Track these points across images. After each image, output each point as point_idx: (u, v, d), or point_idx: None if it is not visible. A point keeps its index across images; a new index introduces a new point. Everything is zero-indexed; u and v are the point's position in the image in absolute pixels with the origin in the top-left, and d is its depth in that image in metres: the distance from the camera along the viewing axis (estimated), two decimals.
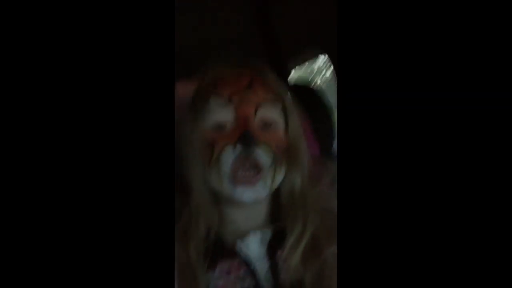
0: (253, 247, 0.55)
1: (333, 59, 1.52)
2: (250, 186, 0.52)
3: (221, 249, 0.54)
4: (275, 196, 0.58)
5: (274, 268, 0.54)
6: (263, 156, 0.52)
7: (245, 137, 0.51)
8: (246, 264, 0.53)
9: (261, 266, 0.54)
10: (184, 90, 0.66)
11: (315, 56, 1.82)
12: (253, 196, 0.53)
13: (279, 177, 0.55)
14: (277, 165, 0.54)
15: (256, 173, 0.52)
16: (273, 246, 0.55)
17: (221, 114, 0.53)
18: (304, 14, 1.38)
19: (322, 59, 1.87)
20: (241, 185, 0.52)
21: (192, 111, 0.56)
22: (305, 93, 0.90)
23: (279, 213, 0.57)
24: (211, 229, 0.55)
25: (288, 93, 0.58)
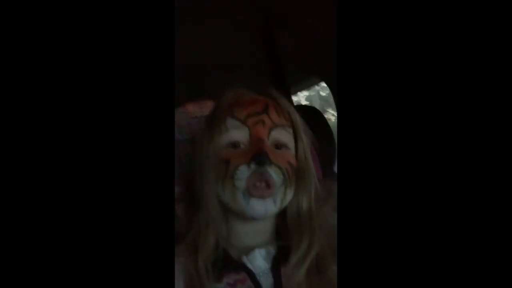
0: (258, 263, 0.57)
1: (333, 85, 1.56)
2: (262, 199, 0.55)
3: (228, 263, 0.56)
4: (281, 215, 0.60)
5: (277, 284, 0.56)
6: (274, 175, 0.55)
7: (259, 157, 0.54)
8: (251, 278, 0.55)
9: (266, 281, 0.56)
10: (194, 110, 0.70)
11: (316, 82, 1.86)
12: (264, 210, 0.55)
13: (289, 197, 0.58)
14: (287, 184, 0.57)
15: (267, 189, 0.55)
16: (277, 263, 0.57)
17: (237, 134, 0.57)
18: (306, 40, 1.42)
19: (323, 85, 1.91)
20: (254, 197, 0.55)
21: (209, 129, 0.59)
22: (309, 115, 0.92)
23: (285, 231, 0.60)
24: (219, 242, 0.57)
25: (299, 117, 0.62)
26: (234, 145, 0.57)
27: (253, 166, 0.55)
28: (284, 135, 0.59)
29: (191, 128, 0.68)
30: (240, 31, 1.34)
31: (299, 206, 0.59)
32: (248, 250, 0.58)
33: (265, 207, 0.55)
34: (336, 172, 0.88)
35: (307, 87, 2.03)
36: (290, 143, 0.59)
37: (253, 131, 0.57)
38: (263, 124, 0.57)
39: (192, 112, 0.70)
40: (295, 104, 1.52)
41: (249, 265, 0.56)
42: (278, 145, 0.58)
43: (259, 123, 0.57)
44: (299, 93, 2.12)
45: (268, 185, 0.55)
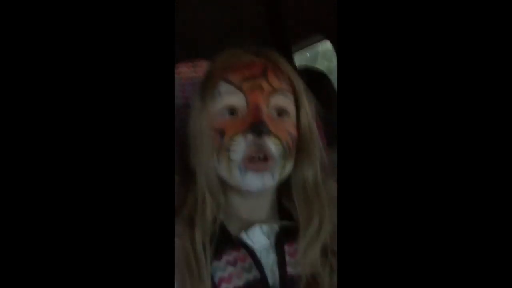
0: (258, 238, 0.53)
1: (335, 44, 1.50)
2: (259, 174, 0.51)
3: (227, 239, 0.53)
4: (285, 189, 0.56)
5: (281, 261, 0.53)
6: (273, 146, 0.51)
7: (257, 127, 0.50)
8: (251, 255, 0.52)
9: (267, 258, 0.53)
10: (187, 72, 0.64)
11: (318, 41, 1.80)
12: (261, 184, 0.52)
13: (288, 168, 0.54)
14: (287, 156, 0.52)
15: (265, 162, 0.51)
16: (281, 240, 0.54)
17: (232, 100, 0.52)
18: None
19: (326, 44, 1.85)
20: (251, 171, 0.51)
21: (201, 95, 0.54)
22: (314, 79, 0.87)
23: (291, 207, 0.56)
24: (217, 217, 0.53)
25: (301, 82, 0.56)
26: (230, 111, 0.52)
27: (250, 136, 0.50)
28: (284, 101, 0.53)
29: (184, 92, 0.62)
30: None
31: (305, 178, 0.55)
32: (248, 225, 0.54)
33: (263, 181, 0.51)
34: None
35: (310, 45, 1.97)
36: (292, 109, 0.54)
37: (250, 97, 0.52)
38: (261, 90, 0.52)
39: (185, 75, 0.63)
40: (298, 66, 1.48)
41: (248, 241, 0.53)
42: (279, 112, 0.53)
43: (257, 88, 0.52)
44: (301, 52, 2.06)
45: (266, 158, 0.51)
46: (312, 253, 0.52)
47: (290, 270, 0.52)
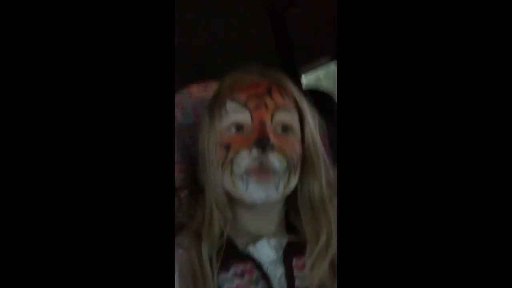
0: (265, 252, 0.54)
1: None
2: (262, 184, 0.52)
3: (234, 253, 0.54)
4: (292, 204, 0.57)
5: (289, 275, 0.53)
6: (277, 161, 0.52)
7: (261, 142, 0.51)
8: (259, 268, 0.53)
9: (275, 272, 0.53)
10: (199, 92, 0.67)
11: (327, 62, 1.82)
12: (264, 196, 0.52)
13: (293, 183, 0.55)
14: (291, 170, 0.54)
15: (268, 173, 0.52)
16: (289, 254, 0.54)
17: (238, 117, 0.54)
18: (315, 20, 1.38)
19: (333, 65, 1.87)
20: (253, 183, 0.52)
21: (209, 113, 0.56)
22: (320, 100, 0.89)
23: (296, 221, 0.57)
24: (224, 230, 0.54)
25: (306, 100, 0.58)
26: (237, 128, 0.54)
27: (254, 151, 0.52)
28: (289, 117, 0.55)
29: (196, 111, 0.64)
30: (246, 8, 1.30)
31: (310, 193, 0.56)
32: (256, 239, 0.55)
33: (266, 193, 0.52)
34: None
35: (318, 67, 1.99)
36: (296, 126, 0.56)
37: (255, 114, 0.54)
38: (265, 107, 0.54)
39: (197, 95, 0.66)
40: (305, 87, 1.50)
41: (255, 255, 0.54)
42: (283, 127, 0.55)
43: (261, 105, 0.54)
44: (309, 74, 2.08)
45: (269, 170, 0.52)
46: (320, 268, 0.52)
47: (298, 283, 0.53)
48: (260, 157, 0.52)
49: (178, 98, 0.65)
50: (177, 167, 0.59)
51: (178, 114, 0.64)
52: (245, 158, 0.52)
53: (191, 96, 0.66)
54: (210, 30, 1.42)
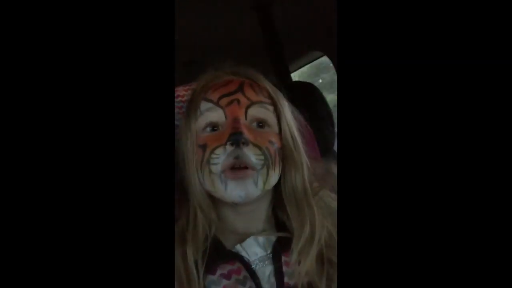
0: (253, 251, 0.54)
1: (333, 60, 1.51)
2: (240, 182, 0.52)
3: (221, 253, 0.54)
4: (276, 199, 0.58)
5: (278, 272, 0.53)
6: (253, 156, 0.52)
7: (234, 137, 0.51)
8: (246, 268, 0.53)
9: (263, 270, 0.53)
10: (185, 94, 0.67)
11: (316, 57, 1.82)
12: (244, 193, 0.52)
13: (273, 178, 0.54)
14: (270, 165, 0.53)
15: (245, 170, 0.52)
16: (278, 251, 0.54)
17: (212, 116, 0.54)
18: (305, 15, 1.38)
19: (323, 59, 1.87)
20: (231, 182, 0.52)
21: (186, 116, 0.57)
22: (306, 93, 0.89)
23: (283, 216, 0.57)
24: (209, 231, 0.54)
25: (282, 95, 0.58)
26: (212, 127, 0.54)
27: (229, 147, 0.51)
28: (262, 112, 0.55)
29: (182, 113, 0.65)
30: (236, 8, 1.30)
31: (293, 185, 0.56)
32: (243, 237, 0.55)
33: (245, 190, 0.52)
34: (336, 151, 0.85)
35: (308, 61, 1.99)
36: (272, 121, 0.56)
37: (228, 111, 0.54)
38: (238, 103, 0.54)
39: (182, 97, 0.66)
40: (293, 80, 1.50)
41: (243, 253, 0.54)
42: (259, 122, 0.55)
43: (234, 102, 0.54)
44: (301, 69, 2.08)
45: (246, 167, 0.52)
46: (306, 261, 0.52)
47: (287, 280, 0.52)
48: (236, 152, 0.51)
49: None
50: None
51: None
52: (221, 156, 0.52)
53: (176, 98, 0.66)
54: (207, 29, 1.43)
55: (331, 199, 0.57)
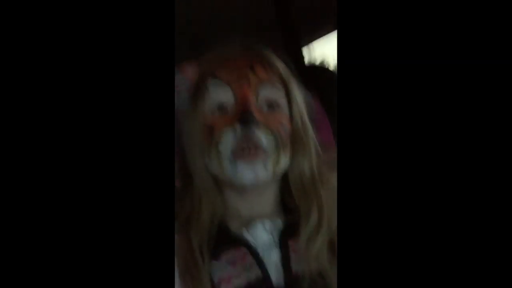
0: (260, 236, 0.53)
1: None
2: (250, 164, 0.50)
3: (226, 238, 0.52)
4: (284, 185, 0.56)
5: (285, 258, 0.52)
6: (263, 137, 0.51)
7: (244, 117, 0.49)
8: (252, 254, 0.52)
9: (270, 255, 0.52)
10: (192, 72, 0.64)
11: (328, 33, 1.78)
12: (253, 176, 0.51)
13: (284, 161, 0.53)
14: (281, 147, 0.52)
15: (255, 152, 0.50)
16: (285, 236, 0.53)
17: (221, 96, 0.52)
18: None
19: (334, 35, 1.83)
20: (240, 163, 0.50)
21: (192, 95, 0.54)
22: (322, 78, 0.87)
23: (290, 202, 0.55)
24: (214, 216, 0.53)
25: (292, 76, 0.56)
26: (220, 109, 0.52)
27: (238, 128, 0.50)
28: (274, 93, 0.53)
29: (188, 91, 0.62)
30: None
31: (301, 171, 0.54)
32: (250, 222, 0.54)
33: (255, 172, 0.50)
34: None
35: (321, 36, 1.95)
36: (283, 102, 0.53)
37: (237, 90, 0.51)
38: (247, 82, 0.51)
39: (191, 75, 0.64)
40: (307, 62, 1.46)
41: (249, 238, 0.52)
42: (269, 104, 0.52)
43: (243, 80, 0.51)
44: (312, 44, 2.04)
45: (256, 148, 0.50)
46: (314, 247, 0.51)
47: (295, 266, 0.52)
48: (245, 132, 0.50)
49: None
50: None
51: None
52: (230, 137, 0.50)
53: (185, 77, 0.64)
54: (209, 4, 1.40)
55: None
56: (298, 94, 0.55)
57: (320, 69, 0.98)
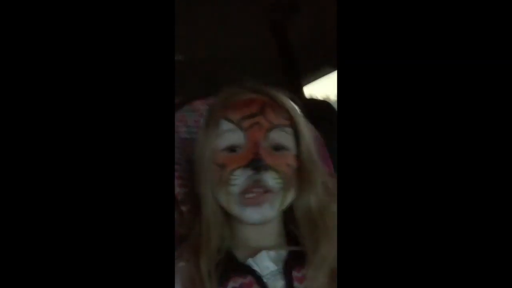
0: (265, 264, 0.55)
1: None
2: (257, 207, 0.53)
3: (234, 266, 0.55)
4: (289, 217, 0.58)
5: (289, 287, 0.54)
6: (271, 180, 0.54)
7: (255, 162, 0.53)
8: (258, 282, 0.53)
9: (275, 284, 0.54)
10: (202, 107, 0.68)
11: (329, 72, 1.82)
12: (260, 217, 0.54)
13: (289, 199, 0.56)
14: (287, 187, 0.55)
15: (263, 195, 0.53)
16: (289, 266, 0.55)
17: (232, 138, 0.55)
18: (316, 29, 1.38)
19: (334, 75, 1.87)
20: (248, 206, 0.53)
21: (205, 132, 0.57)
22: (320, 112, 0.90)
23: (295, 233, 0.57)
24: (222, 245, 0.56)
25: (301, 114, 0.59)
26: (231, 149, 0.55)
27: (249, 171, 0.53)
28: (283, 136, 0.56)
29: (199, 126, 0.65)
30: (247, 20, 1.31)
31: (309, 205, 0.56)
32: (256, 252, 0.56)
33: (262, 213, 0.54)
34: None
35: (321, 76, 1.99)
36: (291, 143, 0.57)
37: (249, 134, 0.54)
38: (259, 127, 0.55)
39: (200, 110, 0.67)
40: (308, 97, 1.49)
41: (255, 267, 0.54)
42: (277, 147, 0.56)
43: (255, 125, 0.55)
44: (313, 83, 2.08)
45: (264, 191, 0.53)
46: (320, 278, 0.52)
47: None
48: (256, 177, 0.53)
49: (181, 113, 0.66)
50: (179, 181, 0.60)
51: (181, 129, 0.65)
52: (240, 178, 0.53)
53: (194, 111, 0.67)
54: (212, 43, 1.43)
55: None
56: (307, 132, 0.58)
57: (320, 103, 1.01)
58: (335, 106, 0.96)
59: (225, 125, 0.55)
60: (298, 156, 0.57)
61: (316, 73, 1.79)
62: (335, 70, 1.76)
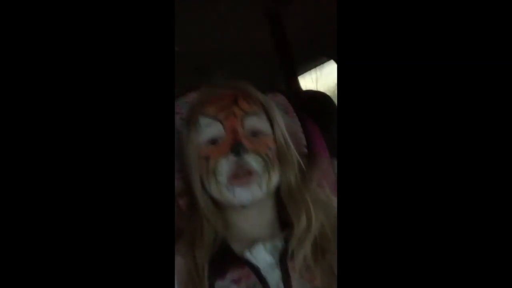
0: (262, 256, 0.56)
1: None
2: (246, 187, 0.56)
3: (231, 258, 0.56)
4: (278, 201, 0.61)
5: (286, 278, 0.55)
6: (254, 162, 0.56)
7: (235, 147, 0.55)
8: (256, 273, 0.55)
9: (272, 275, 0.55)
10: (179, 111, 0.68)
11: (322, 61, 1.83)
12: (250, 196, 0.56)
13: (275, 178, 0.58)
14: (270, 167, 0.57)
15: (248, 176, 0.56)
16: (284, 257, 0.56)
17: (212, 131, 0.58)
18: (314, 19, 1.38)
19: (329, 64, 1.87)
20: (237, 188, 0.56)
21: (186, 130, 0.61)
22: (316, 102, 0.92)
23: (285, 216, 0.60)
24: (217, 236, 0.58)
25: (272, 105, 0.63)
26: (212, 142, 0.58)
27: (231, 157, 0.55)
28: (258, 122, 0.59)
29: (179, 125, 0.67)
30: (243, 13, 1.31)
31: (288, 182, 0.60)
32: (252, 243, 0.57)
33: (251, 193, 0.56)
34: None
35: (317, 65, 1.99)
36: (267, 128, 0.60)
37: (226, 123, 0.58)
38: (234, 115, 0.58)
39: (180, 113, 0.68)
40: (304, 88, 1.50)
41: (252, 260, 0.56)
42: (255, 132, 0.58)
43: (230, 115, 0.58)
44: (309, 73, 2.09)
45: (250, 173, 0.56)
46: (303, 248, 0.55)
47: (295, 285, 0.54)
48: (238, 160, 0.56)
49: (177, 105, 0.66)
50: (177, 174, 0.61)
51: (177, 121, 0.65)
52: (225, 165, 0.56)
53: (189, 103, 0.68)
54: (209, 35, 1.44)
55: (322, 193, 0.61)
56: (279, 117, 0.62)
57: (318, 95, 1.03)
58: (332, 97, 0.97)
59: (204, 120, 0.59)
60: (274, 139, 0.60)
61: (313, 64, 1.80)
62: (332, 60, 1.76)
